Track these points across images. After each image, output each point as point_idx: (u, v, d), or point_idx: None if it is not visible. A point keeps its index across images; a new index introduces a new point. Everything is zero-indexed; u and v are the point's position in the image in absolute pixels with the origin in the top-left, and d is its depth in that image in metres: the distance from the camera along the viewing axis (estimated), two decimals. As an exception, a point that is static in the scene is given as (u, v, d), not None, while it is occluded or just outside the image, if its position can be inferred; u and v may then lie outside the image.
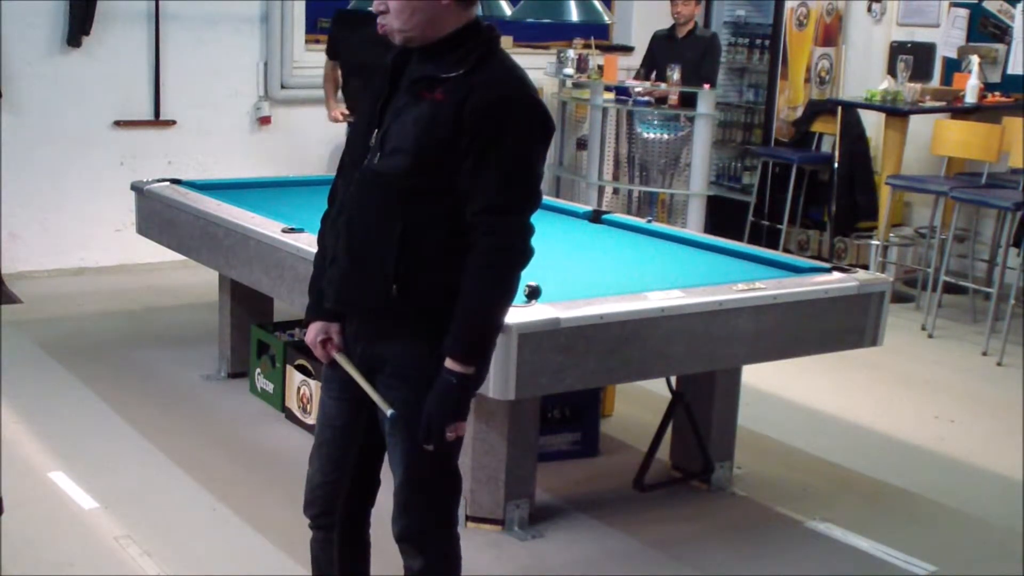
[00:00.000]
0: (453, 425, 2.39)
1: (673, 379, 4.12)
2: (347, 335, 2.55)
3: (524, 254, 2.38)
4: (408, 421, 2.43)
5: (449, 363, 2.36)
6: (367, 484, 2.67)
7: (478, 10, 2.45)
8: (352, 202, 2.46)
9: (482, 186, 2.33)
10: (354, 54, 6.10)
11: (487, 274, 2.35)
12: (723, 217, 7.81)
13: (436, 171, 2.35)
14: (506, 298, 2.40)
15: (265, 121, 7.26)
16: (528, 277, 2.45)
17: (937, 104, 7.04)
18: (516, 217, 2.36)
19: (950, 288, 6.61)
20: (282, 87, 7.29)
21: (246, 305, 5.01)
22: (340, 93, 6.38)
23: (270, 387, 4.72)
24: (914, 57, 7.37)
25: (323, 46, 7.56)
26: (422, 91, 2.38)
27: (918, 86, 7.02)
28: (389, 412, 2.42)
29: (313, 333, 2.57)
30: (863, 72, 7.91)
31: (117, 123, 6.78)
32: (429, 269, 2.38)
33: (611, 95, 7.64)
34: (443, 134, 2.33)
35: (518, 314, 3.10)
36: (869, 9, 7.95)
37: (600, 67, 7.66)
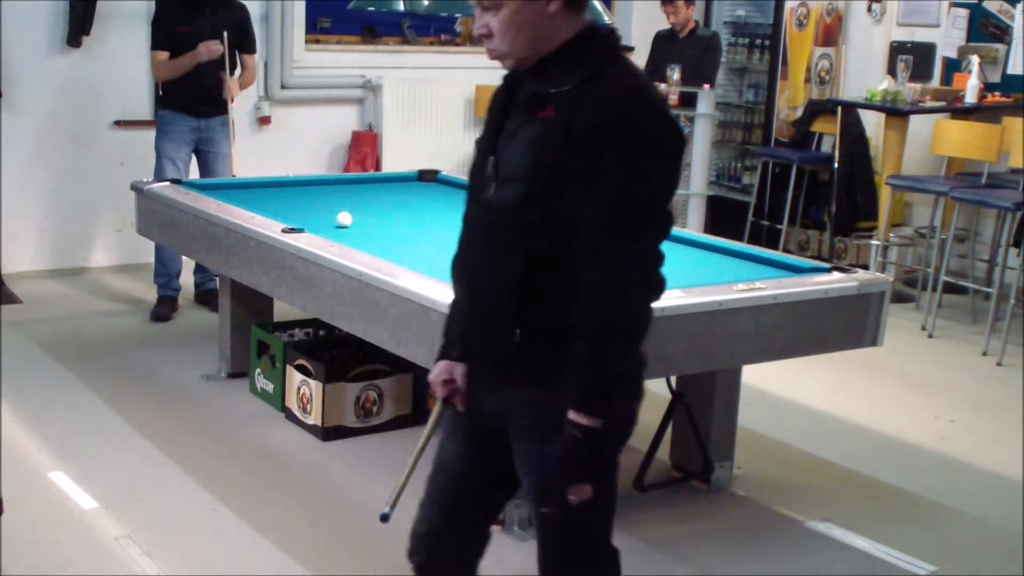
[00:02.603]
0: (576, 487, 2.12)
1: (673, 379, 4.12)
2: (472, 381, 2.33)
3: (646, 286, 2.10)
4: (532, 476, 2.26)
5: (572, 415, 2.08)
6: (477, 536, 2.47)
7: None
8: (467, 241, 2.27)
9: (594, 213, 2.07)
10: (219, 41, 5.72)
11: (601, 311, 2.07)
12: (723, 217, 7.82)
13: (548, 200, 2.11)
14: (630, 337, 2.10)
15: (265, 121, 7.26)
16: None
17: (937, 104, 7.03)
18: (631, 244, 2.07)
19: (950, 288, 6.60)
20: (282, 87, 7.29)
21: (246, 305, 5.01)
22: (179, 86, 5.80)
23: (270, 387, 4.72)
24: (914, 57, 7.36)
25: (323, 46, 7.59)
26: (534, 109, 2.15)
27: (918, 86, 7.01)
28: None
29: (437, 371, 2.37)
30: (863, 72, 7.90)
31: (117, 123, 6.78)
32: (550, 310, 2.14)
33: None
34: (552, 157, 2.09)
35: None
36: (869, 9, 7.95)
37: (600, 67, 7.64)
